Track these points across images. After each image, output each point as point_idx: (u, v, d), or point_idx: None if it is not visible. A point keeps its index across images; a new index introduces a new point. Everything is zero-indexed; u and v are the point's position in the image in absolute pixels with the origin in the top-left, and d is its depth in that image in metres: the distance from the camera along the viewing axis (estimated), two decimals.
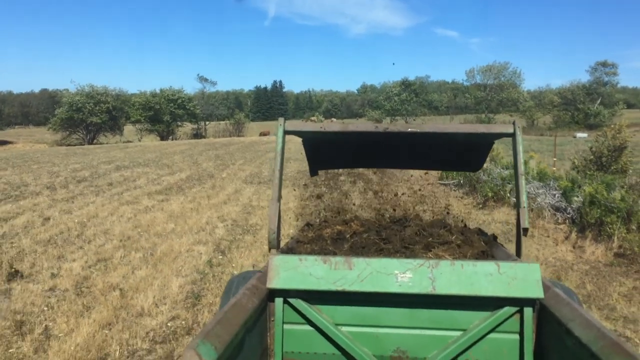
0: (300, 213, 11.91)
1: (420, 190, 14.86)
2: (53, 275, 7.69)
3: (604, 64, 74.53)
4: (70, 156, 31.98)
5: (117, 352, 5.26)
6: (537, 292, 2.87)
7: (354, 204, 12.81)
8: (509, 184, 12.71)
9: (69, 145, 57.48)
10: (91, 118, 55.64)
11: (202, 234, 10.17)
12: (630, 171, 12.05)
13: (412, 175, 18.18)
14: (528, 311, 2.95)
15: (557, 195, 10.84)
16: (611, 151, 11.60)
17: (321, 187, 16.19)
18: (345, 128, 3.72)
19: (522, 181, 3.53)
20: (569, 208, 10.39)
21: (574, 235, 9.66)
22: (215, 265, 8.13)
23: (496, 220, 11.37)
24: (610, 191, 9.64)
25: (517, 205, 3.56)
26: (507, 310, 2.96)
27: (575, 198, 10.35)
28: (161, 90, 66.05)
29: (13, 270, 7.75)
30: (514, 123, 3.61)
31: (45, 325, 5.85)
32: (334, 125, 3.76)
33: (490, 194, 12.85)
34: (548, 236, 9.91)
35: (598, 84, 73.62)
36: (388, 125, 3.63)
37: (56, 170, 22.60)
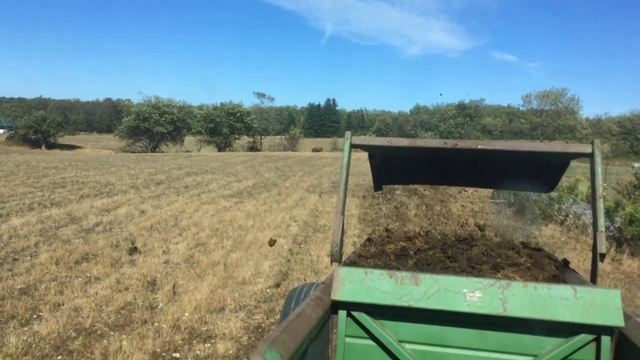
0: (362, 218, 13.38)
1: (471, 205, 16.08)
2: (164, 252, 9.43)
3: None
4: (141, 162, 34.55)
5: (232, 305, 6.85)
6: (617, 320, 2.73)
7: (411, 212, 14.19)
8: (557, 203, 13.78)
9: (133, 152, 61.15)
10: (156, 128, 59.03)
11: (279, 230, 11.79)
12: None
13: (467, 192, 19.36)
14: (606, 340, 2.82)
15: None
16: None
17: (378, 198, 17.60)
18: (413, 143, 3.76)
19: (600, 204, 3.42)
20: (612, 226, 11.45)
21: (613, 249, 10.73)
22: (295, 254, 9.68)
23: (543, 236, 12.49)
24: None
25: (593, 229, 3.44)
26: (583, 337, 2.85)
27: (617, 218, 11.41)
28: (222, 104, 69.26)
29: (133, 246, 9.54)
30: (592, 142, 3.52)
31: (173, 284, 7.52)
32: (402, 140, 3.80)
33: (538, 212, 13.97)
34: (589, 249, 11.01)
35: None
36: (457, 141, 3.63)
37: (134, 173, 24.88)
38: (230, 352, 5.47)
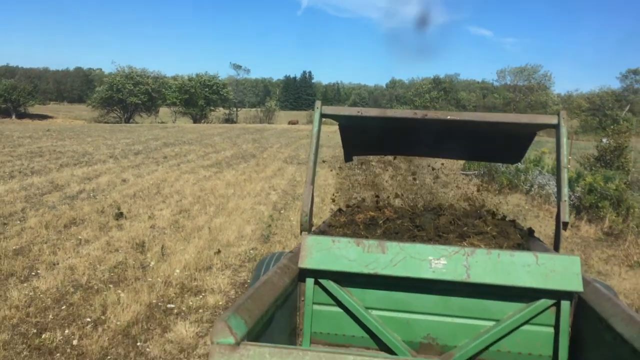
0: (339, 188, 13.93)
1: (444, 176, 16.77)
2: (150, 218, 9.85)
3: (635, 72, 75.00)
4: (116, 132, 34.44)
5: (219, 264, 7.36)
6: (577, 286, 2.83)
7: (386, 182, 14.80)
8: (523, 174, 14.52)
9: (106, 122, 60.45)
10: (130, 98, 58.41)
11: (259, 198, 12.28)
12: (633, 169, 13.77)
13: (442, 164, 20.05)
14: (565, 304, 2.92)
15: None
16: (612, 151, 13.39)
17: (355, 169, 18.17)
18: (383, 113, 3.79)
19: (565, 174, 3.50)
20: (572, 195, 12.22)
21: (572, 217, 11.50)
22: (276, 220, 10.19)
23: (509, 204, 13.22)
24: (607, 183, 11.47)
25: (557, 199, 3.53)
26: (544, 302, 2.95)
27: (578, 188, 12.17)
28: (197, 75, 68.62)
29: (119, 212, 9.93)
30: (558, 114, 3.55)
31: (162, 245, 7.98)
32: (372, 110, 3.83)
33: (505, 182, 14.71)
34: (551, 217, 11.77)
35: (628, 91, 74.15)
36: (427, 112, 3.66)
37: (111, 144, 24.95)
38: (220, 303, 6.00)
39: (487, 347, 3.02)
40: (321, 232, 3.84)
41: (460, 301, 3.06)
